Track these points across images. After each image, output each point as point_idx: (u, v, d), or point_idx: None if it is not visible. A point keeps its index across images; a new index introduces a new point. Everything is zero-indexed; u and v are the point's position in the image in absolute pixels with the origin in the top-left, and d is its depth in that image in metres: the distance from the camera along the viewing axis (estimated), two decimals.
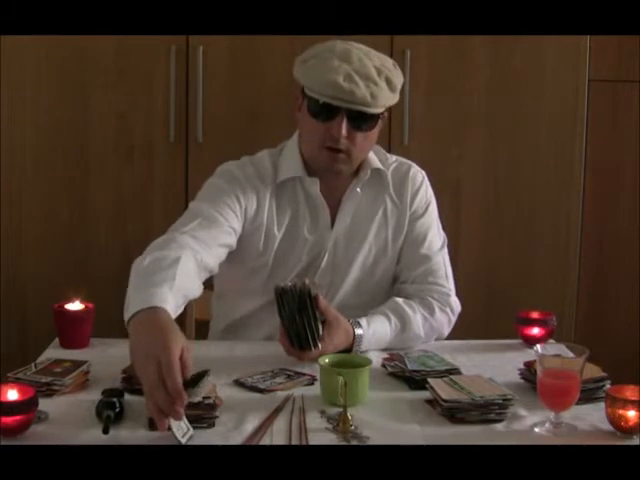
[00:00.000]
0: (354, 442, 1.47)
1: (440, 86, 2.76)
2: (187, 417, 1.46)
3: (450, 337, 2.09)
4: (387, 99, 1.93)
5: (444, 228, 2.18)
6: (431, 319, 2.02)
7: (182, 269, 1.67)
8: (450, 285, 2.10)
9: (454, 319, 2.08)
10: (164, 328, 1.47)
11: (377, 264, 2.09)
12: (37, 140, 2.71)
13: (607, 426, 1.52)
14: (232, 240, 1.95)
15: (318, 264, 2.05)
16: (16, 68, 2.67)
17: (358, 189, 2.05)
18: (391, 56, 2.66)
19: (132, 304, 1.54)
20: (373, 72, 1.90)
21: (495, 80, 2.76)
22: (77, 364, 1.71)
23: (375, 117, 1.94)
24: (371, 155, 2.08)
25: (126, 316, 1.53)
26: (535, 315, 2.01)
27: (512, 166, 2.80)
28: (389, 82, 1.92)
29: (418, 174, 2.14)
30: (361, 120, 1.92)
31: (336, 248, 2.06)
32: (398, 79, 1.96)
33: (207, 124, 2.70)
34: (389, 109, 2.00)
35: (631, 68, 2.81)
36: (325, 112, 1.91)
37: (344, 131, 1.90)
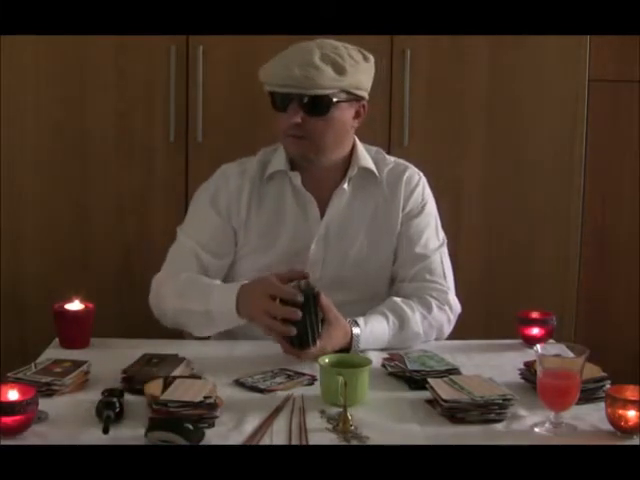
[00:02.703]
0: (354, 442, 1.47)
1: (440, 86, 2.76)
2: (188, 417, 1.47)
3: (450, 337, 2.09)
4: (330, 80, 1.95)
5: (444, 228, 2.18)
6: (429, 317, 2.02)
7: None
8: (448, 284, 2.11)
9: (454, 318, 2.09)
10: (249, 289, 1.87)
11: (369, 262, 2.10)
12: (37, 140, 2.71)
13: (607, 426, 1.52)
14: (229, 258, 2.11)
15: (306, 255, 2.06)
16: (16, 68, 2.67)
17: (345, 186, 2.09)
18: (391, 56, 2.70)
19: (224, 301, 1.89)
20: (315, 58, 1.96)
21: (495, 80, 2.76)
22: (77, 364, 1.71)
23: (326, 100, 1.97)
24: (363, 154, 2.12)
25: (231, 303, 1.88)
26: (535, 315, 2.01)
27: (512, 166, 2.80)
28: (336, 65, 1.96)
29: (415, 175, 2.17)
30: (312, 105, 1.97)
31: (326, 242, 2.08)
32: (353, 66, 1.99)
33: (207, 124, 2.70)
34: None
35: (631, 68, 2.81)
36: (277, 101, 2.01)
37: (295, 117, 1.97)
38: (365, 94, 2.06)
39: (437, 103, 2.76)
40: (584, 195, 2.82)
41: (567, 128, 2.78)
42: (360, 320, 1.93)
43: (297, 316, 1.78)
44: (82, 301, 1.95)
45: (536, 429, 1.54)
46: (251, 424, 1.53)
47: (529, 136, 2.79)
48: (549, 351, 1.58)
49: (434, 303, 2.04)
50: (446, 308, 2.06)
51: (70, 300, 1.95)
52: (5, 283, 2.71)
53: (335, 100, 1.99)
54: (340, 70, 1.96)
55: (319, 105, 1.98)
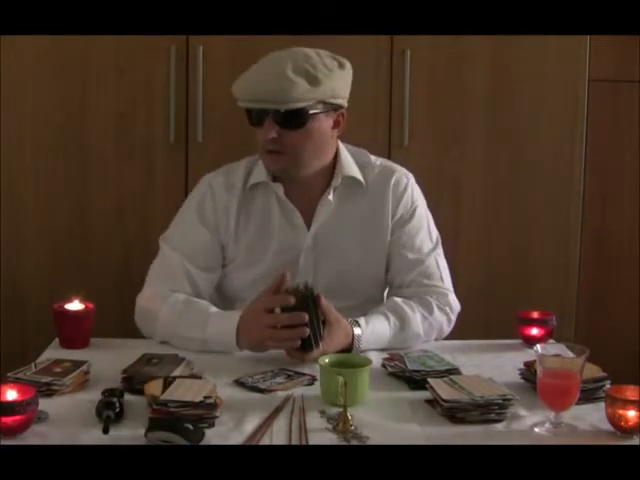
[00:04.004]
0: (354, 442, 1.48)
1: (440, 86, 2.76)
2: (188, 417, 1.47)
3: (450, 337, 2.09)
4: (304, 92, 1.91)
5: (444, 228, 2.18)
6: (430, 318, 2.02)
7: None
8: (447, 285, 2.10)
9: (454, 318, 2.09)
10: (247, 318, 1.87)
11: (361, 271, 2.08)
12: (37, 140, 2.71)
13: (607, 426, 1.52)
14: (218, 271, 2.10)
15: (296, 267, 2.03)
16: (16, 68, 2.67)
17: (330, 197, 2.05)
18: (391, 56, 2.70)
19: (223, 332, 1.89)
20: (287, 70, 1.91)
21: (495, 80, 2.76)
22: (77, 364, 1.71)
23: (302, 113, 1.93)
24: (347, 162, 2.07)
25: (231, 336, 1.88)
26: (535, 315, 2.02)
27: (512, 166, 2.80)
28: (309, 76, 1.92)
29: (402, 179, 2.12)
30: (288, 118, 1.93)
31: (316, 254, 2.06)
32: (327, 75, 1.94)
33: (207, 124, 2.70)
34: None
35: (631, 68, 2.81)
36: (253, 117, 1.97)
37: (271, 132, 1.94)
38: (343, 102, 2.01)
39: (437, 103, 2.76)
40: (584, 195, 2.82)
41: (567, 128, 2.78)
42: (361, 320, 1.93)
43: (304, 319, 1.77)
44: (82, 301, 1.95)
45: (536, 429, 1.54)
46: (251, 424, 1.53)
47: (529, 136, 2.79)
48: (549, 351, 1.58)
49: (435, 304, 2.04)
50: (447, 309, 2.06)
51: (70, 300, 1.95)
52: (5, 283, 2.71)
53: (311, 112, 1.94)
54: (313, 81, 1.92)
55: (295, 118, 1.93)
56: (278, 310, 1.82)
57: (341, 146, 2.10)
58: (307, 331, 1.78)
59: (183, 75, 2.69)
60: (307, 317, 1.78)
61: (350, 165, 2.08)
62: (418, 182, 2.20)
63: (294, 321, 1.78)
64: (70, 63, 2.68)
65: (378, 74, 2.70)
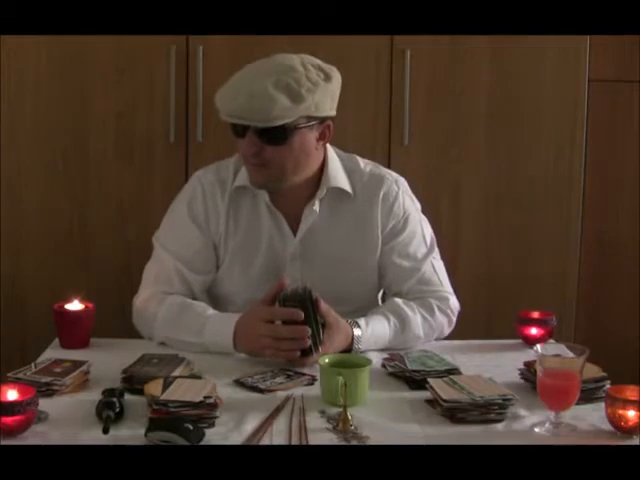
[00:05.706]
0: (354, 442, 1.48)
1: (440, 86, 2.76)
2: (188, 417, 1.47)
3: (450, 337, 2.09)
4: (284, 110, 1.85)
5: (444, 228, 2.18)
6: (431, 319, 2.01)
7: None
8: (447, 287, 2.09)
9: (455, 319, 2.08)
10: (245, 327, 1.86)
11: (350, 280, 2.06)
12: (37, 140, 2.71)
13: (607, 426, 1.52)
14: (212, 273, 2.08)
15: (284, 272, 2.01)
16: (16, 68, 2.67)
17: (315, 207, 2.02)
18: (391, 56, 2.70)
19: (220, 334, 1.89)
20: (268, 86, 1.85)
21: (495, 80, 2.76)
22: (77, 364, 1.71)
23: (285, 130, 1.89)
24: (334, 172, 2.03)
25: (228, 341, 1.87)
26: (535, 315, 2.02)
27: (512, 166, 2.80)
28: (291, 92, 1.86)
29: (392, 188, 2.07)
30: (269, 134, 1.89)
31: (303, 261, 2.04)
32: (311, 90, 1.88)
33: (207, 124, 2.70)
34: (330, 117, 1.96)
35: (631, 68, 2.81)
36: (234, 129, 1.93)
37: (250, 147, 1.90)
38: (330, 113, 1.95)
39: (437, 103, 2.76)
40: (584, 195, 2.82)
41: (567, 128, 2.78)
42: (361, 321, 1.92)
43: (307, 332, 1.77)
44: (82, 301, 1.95)
45: (536, 429, 1.54)
46: (251, 424, 1.53)
47: (529, 136, 2.79)
48: (549, 351, 1.58)
49: (436, 306, 2.03)
50: (448, 311, 2.05)
51: (70, 300, 1.95)
52: (5, 283, 2.71)
53: (293, 127, 1.89)
54: (295, 97, 1.86)
55: (276, 135, 1.88)
56: (278, 321, 1.82)
57: (330, 154, 2.05)
58: (308, 342, 1.77)
59: (183, 75, 2.69)
60: (309, 331, 1.77)
61: (337, 175, 2.03)
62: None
63: (296, 335, 1.78)
64: (70, 63, 2.68)
65: (378, 74, 2.70)
